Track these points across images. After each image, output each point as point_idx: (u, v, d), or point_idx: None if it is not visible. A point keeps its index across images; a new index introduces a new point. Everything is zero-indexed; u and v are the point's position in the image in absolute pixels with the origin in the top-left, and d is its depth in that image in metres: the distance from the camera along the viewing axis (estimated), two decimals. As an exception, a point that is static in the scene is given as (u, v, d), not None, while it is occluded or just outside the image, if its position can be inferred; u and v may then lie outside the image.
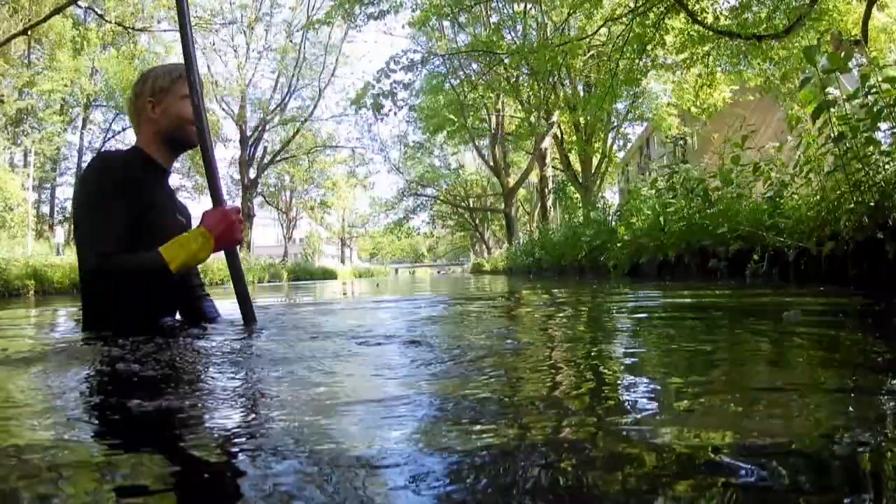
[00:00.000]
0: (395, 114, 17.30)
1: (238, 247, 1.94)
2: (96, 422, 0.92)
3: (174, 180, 29.85)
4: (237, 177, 29.98)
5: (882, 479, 0.59)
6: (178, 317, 2.12)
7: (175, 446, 0.77)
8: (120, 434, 0.84)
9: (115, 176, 1.78)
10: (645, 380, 1.13)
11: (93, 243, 1.69)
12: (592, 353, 1.44)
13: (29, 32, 16.41)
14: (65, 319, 3.56)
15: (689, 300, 3.04)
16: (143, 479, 0.65)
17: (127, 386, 1.14)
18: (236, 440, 0.78)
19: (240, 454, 0.73)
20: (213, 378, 1.23)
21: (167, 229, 1.83)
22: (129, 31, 20.28)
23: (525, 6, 16.95)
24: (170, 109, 1.92)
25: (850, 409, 0.85)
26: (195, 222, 2.27)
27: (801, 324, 1.75)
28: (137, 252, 1.72)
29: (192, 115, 1.86)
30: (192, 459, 0.72)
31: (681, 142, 21.12)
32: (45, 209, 30.93)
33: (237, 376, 1.22)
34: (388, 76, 15.13)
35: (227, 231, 1.79)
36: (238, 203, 28.60)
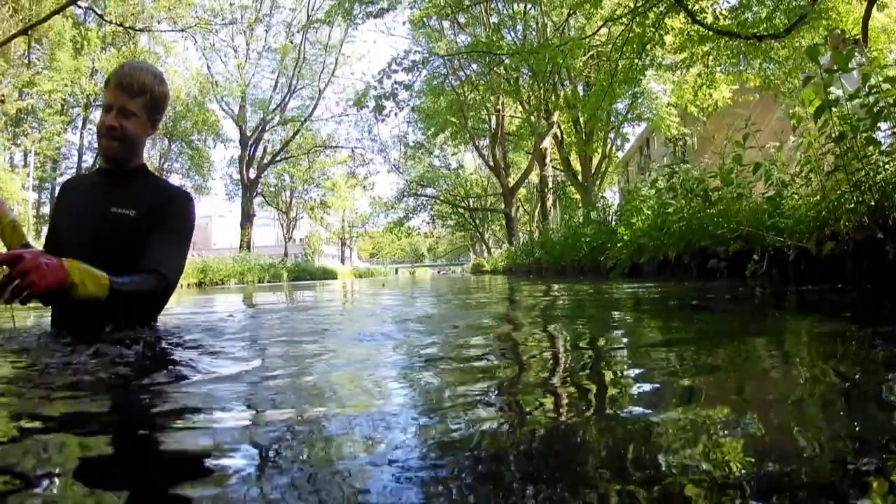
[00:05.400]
0: (396, 114, 17.34)
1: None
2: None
3: (174, 179, 29.82)
4: (237, 176, 29.96)
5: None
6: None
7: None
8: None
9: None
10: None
11: None
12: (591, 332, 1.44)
13: (29, 32, 16.40)
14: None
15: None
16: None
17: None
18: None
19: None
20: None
21: (66, 226, 1.87)
22: (129, 31, 20.28)
23: (525, 6, 16.94)
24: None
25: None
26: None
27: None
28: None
29: (102, 126, 1.80)
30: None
31: (681, 142, 21.09)
32: (45, 209, 30.91)
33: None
34: (389, 77, 15.12)
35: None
36: (240, 202, 28.39)
